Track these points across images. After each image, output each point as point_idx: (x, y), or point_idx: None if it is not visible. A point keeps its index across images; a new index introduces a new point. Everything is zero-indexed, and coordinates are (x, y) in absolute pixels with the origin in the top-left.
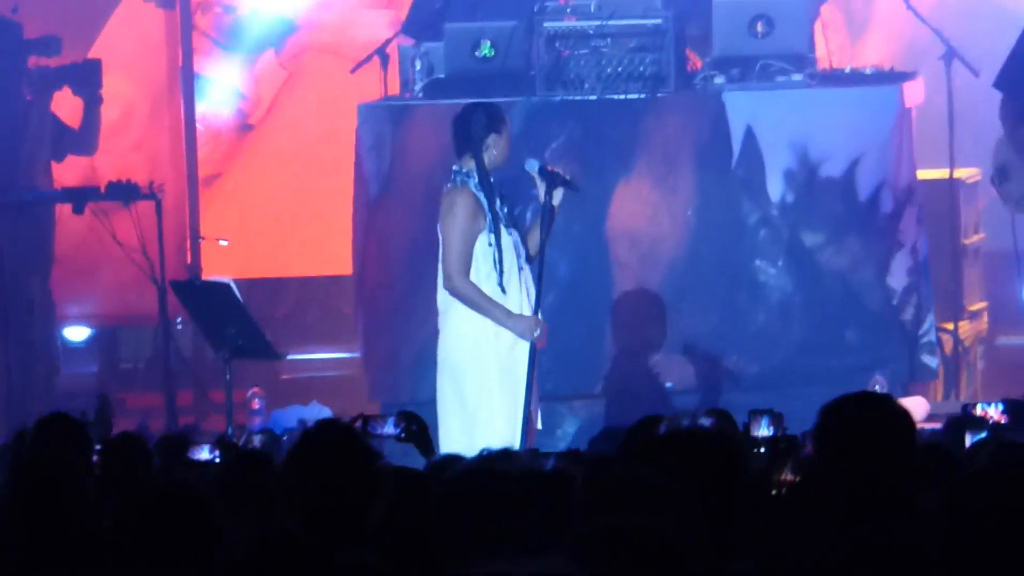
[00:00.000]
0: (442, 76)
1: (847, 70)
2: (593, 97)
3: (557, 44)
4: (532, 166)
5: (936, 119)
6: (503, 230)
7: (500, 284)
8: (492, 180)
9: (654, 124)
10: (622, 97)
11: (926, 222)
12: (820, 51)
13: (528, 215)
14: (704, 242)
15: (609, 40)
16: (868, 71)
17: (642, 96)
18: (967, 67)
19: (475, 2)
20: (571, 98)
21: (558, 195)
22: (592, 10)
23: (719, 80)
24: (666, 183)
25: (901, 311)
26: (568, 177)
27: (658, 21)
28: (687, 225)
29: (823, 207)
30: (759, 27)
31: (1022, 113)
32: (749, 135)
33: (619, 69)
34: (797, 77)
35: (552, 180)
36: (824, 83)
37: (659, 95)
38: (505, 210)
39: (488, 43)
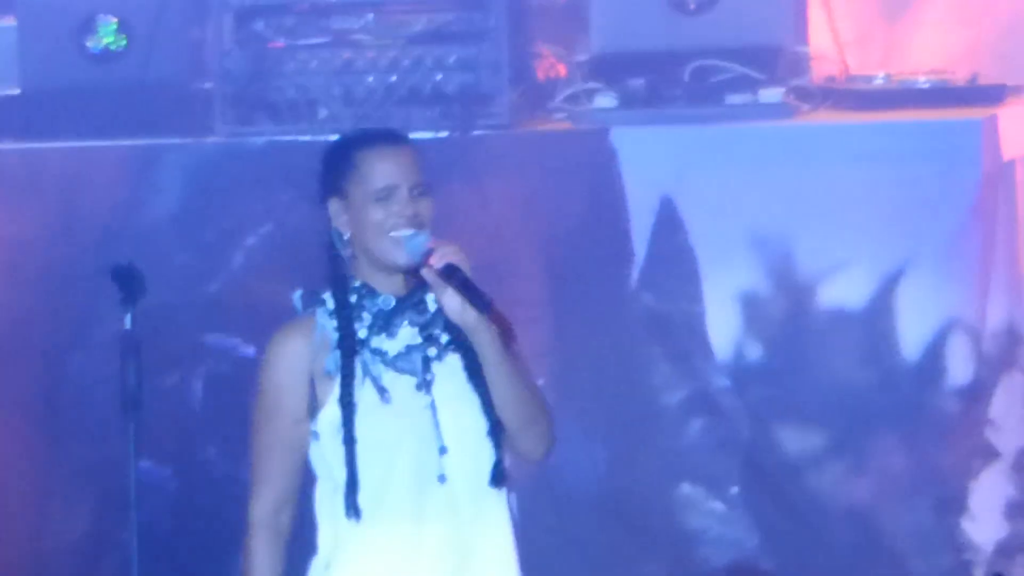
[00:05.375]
0: (16, 91)
1: (878, 79)
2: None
3: (259, 27)
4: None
5: None
6: (378, 395)
7: (352, 509)
8: (357, 294)
9: (469, 195)
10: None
11: None
12: (821, 43)
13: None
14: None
15: (371, 18)
16: (922, 82)
17: (440, 134)
18: None
19: None
20: (288, 138)
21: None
22: None
23: (605, 102)
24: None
25: None
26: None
27: None
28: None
29: (824, 377)
30: None
31: None
32: (666, 217)
33: (393, 79)
34: (772, 95)
35: (455, 282)
36: (832, 107)
37: (478, 132)
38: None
39: (113, 23)
